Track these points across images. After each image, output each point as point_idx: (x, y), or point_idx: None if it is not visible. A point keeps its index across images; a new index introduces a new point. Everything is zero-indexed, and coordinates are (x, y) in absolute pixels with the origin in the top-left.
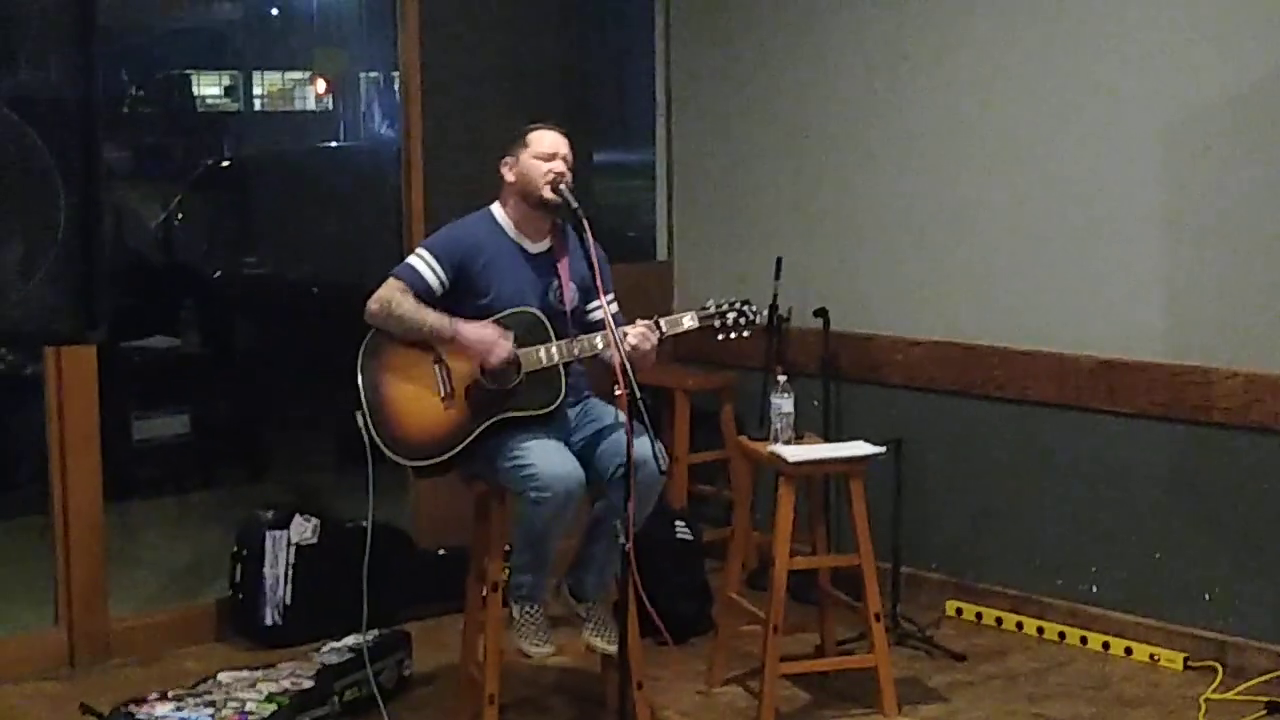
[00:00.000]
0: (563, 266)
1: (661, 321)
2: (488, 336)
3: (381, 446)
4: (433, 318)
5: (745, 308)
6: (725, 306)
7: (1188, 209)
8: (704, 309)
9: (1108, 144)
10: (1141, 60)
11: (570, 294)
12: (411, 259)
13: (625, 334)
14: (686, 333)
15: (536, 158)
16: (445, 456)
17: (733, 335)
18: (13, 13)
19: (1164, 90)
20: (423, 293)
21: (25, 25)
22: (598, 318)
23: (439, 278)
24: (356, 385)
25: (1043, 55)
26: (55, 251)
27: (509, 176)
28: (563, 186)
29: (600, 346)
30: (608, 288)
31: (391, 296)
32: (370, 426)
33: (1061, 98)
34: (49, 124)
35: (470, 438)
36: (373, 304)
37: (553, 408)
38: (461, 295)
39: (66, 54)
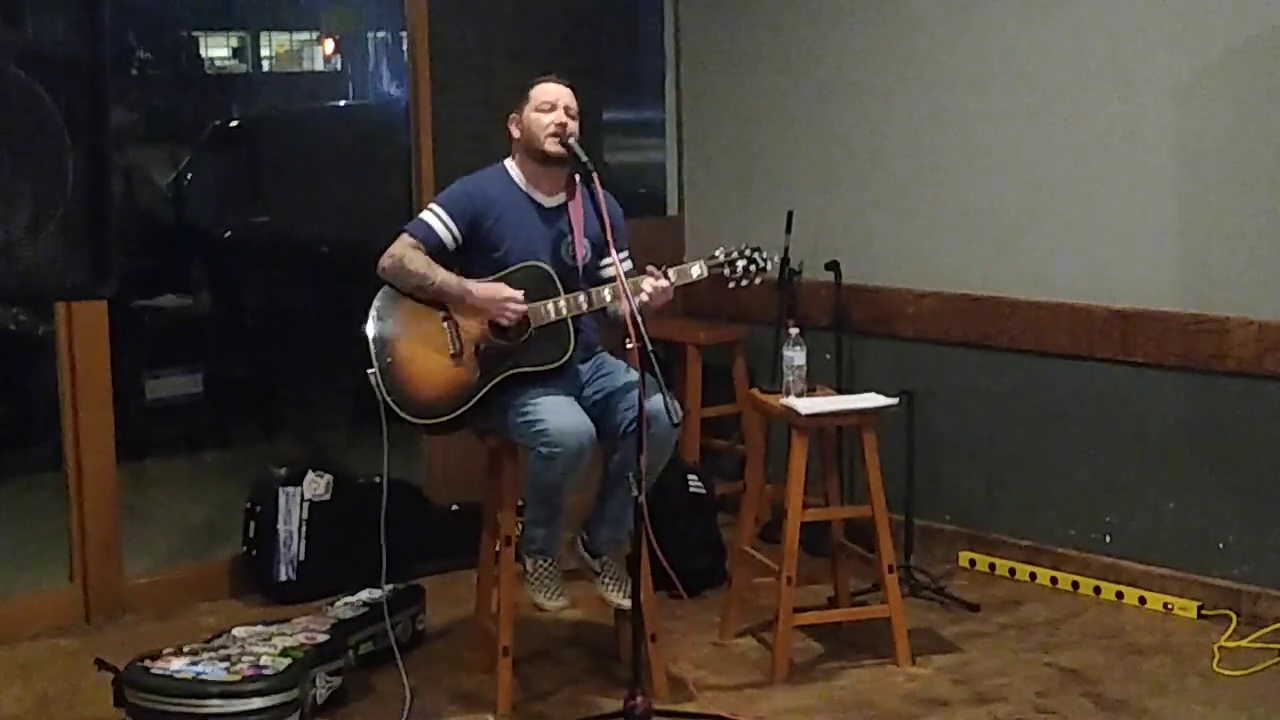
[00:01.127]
0: (575, 221)
1: (670, 271)
2: (500, 293)
3: (393, 407)
4: (442, 275)
5: (755, 254)
6: (735, 254)
7: (1201, 158)
8: (712, 257)
9: (1121, 94)
10: (1155, 10)
11: (582, 249)
12: (424, 214)
13: (640, 285)
14: (697, 282)
15: (538, 110)
16: (455, 414)
17: (743, 283)
18: None
19: (1177, 39)
20: (435, 248)
21: None
22: (610, 274)
23: (452, 233)
24: (367, 345)
25: (1059, 8)
26: (65, 209)
27: (515, 132)
28: (571, 140)
29: (609, 299)
30: (621, 244)
31: (404, 253)
32: (381, 387)
33: (1074, 48)
34: (57, 82)
35: (480, 394)
36: (385, 259)
37: (563, 362)
38: (474, 250)
39: (74, 12)
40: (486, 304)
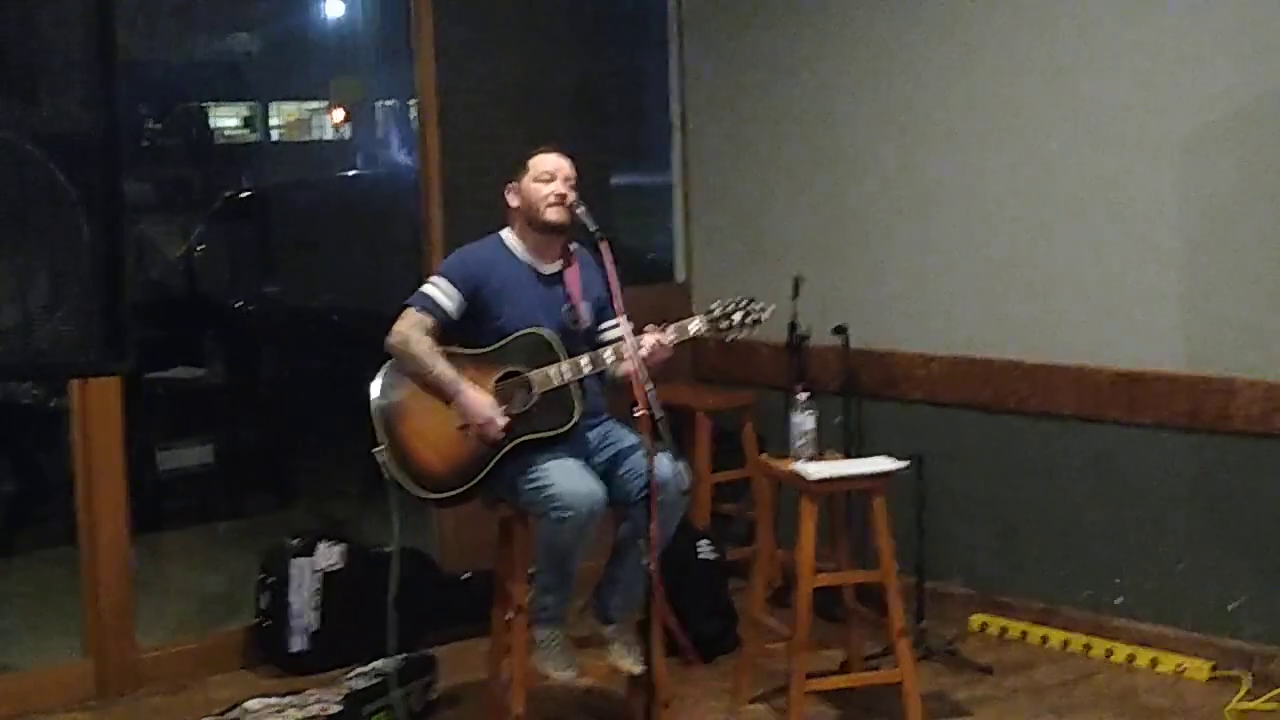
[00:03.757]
0: (574, 286)
1: (670, 329)
2: (484, 411)
3: (405, 483)
4: (440, 369)
5: (750, 305)
6: (731, 306)
7: (1206, 219)
8: (709, 312)
9: (1126, 156)
10: (1159, 72)
11: (584, 314)
12: (426, 287)
13: (640, 341)
14: (695, 338)
15: (537, 181)
16: (467, 487)
17: (741, 334)
18: (34, 48)
19: (1182, 102)
20: (440, 319)
21: (46, 61)
22: (611, 337)
23: (455, 303)
24: (373, 423)
25: (1061, 69)
26: (80, 285)
27: (513, 202)
28: (581, 210)
29: (610, 361)
30: (621, 307)
31: (409, 334)
32: (391, 464)
33: (1080, 111)
34: (72, 160)
35: (490, 464)
36: (392, 338)
37: (569, 427)
38: (476, 318)
39: (88, 89)
40: (469, 415)
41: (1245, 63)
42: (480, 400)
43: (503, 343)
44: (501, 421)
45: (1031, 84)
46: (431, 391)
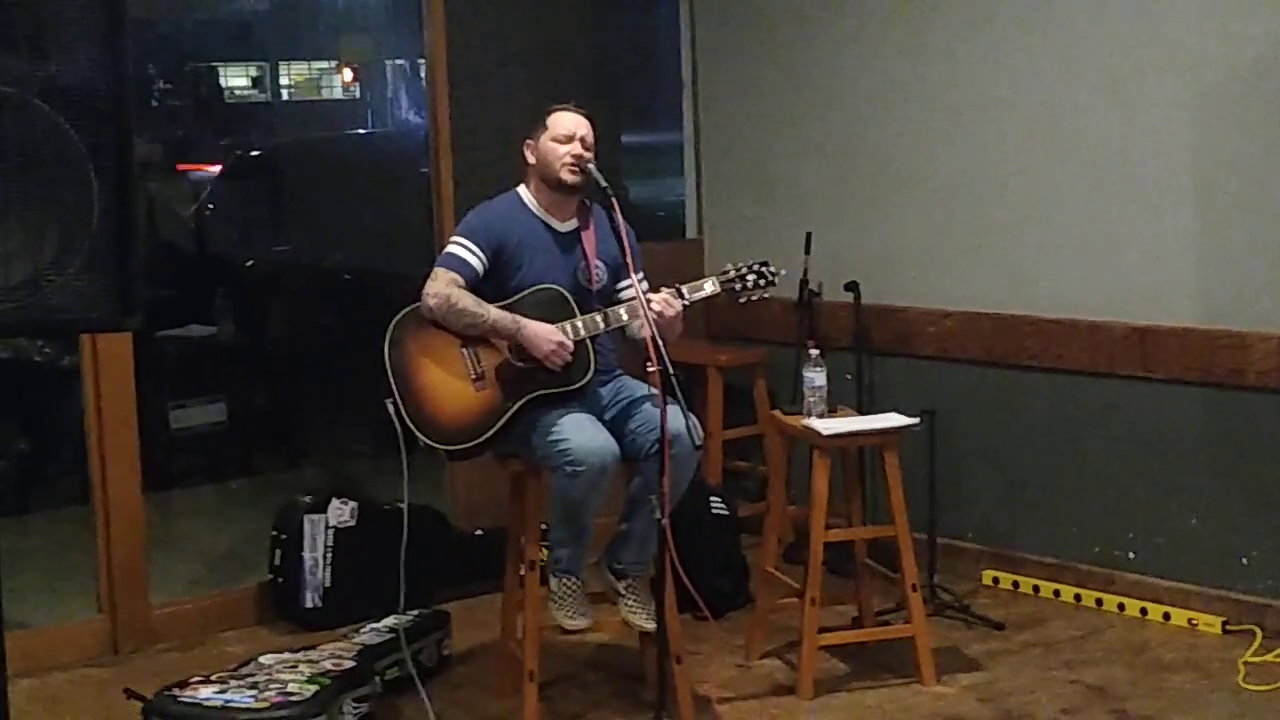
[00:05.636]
0: (589, 245)
1: (683, 289)
2: (552, 338)
3: (417, 434)
4: (494, 313)
5: (764, 268)
6: (744, 269)
7: (1218, 173)
8: (723, 272)
9: (1138, 111)
10: (1172, 26)
11: (597, 273)
12: (452, 247)
13: (650, 302)
14: (710, 299)
15: (554, 140)
16: (481, 439)
17: (754, 297)
18: (43, 5)
19: (1194, 55)
20: (469, 278)
21: (55, 17)
22: (627, 297)
23: (481, 261)
24: (385, 374)
25: (1074, 24)
26: (90, 242)
27: (530, 158)
28: (591, 167)
29: (625, 318)
30: (638, 267)
31: (449, 292)
32: (402, 415)
33: (1092, 65)
34: (81, 115)
35: (504, 418)
36: (430, 299)
37: (583, 382)
38: (495, 275)
39: (97, 45)
40: (537, 343)
41: (1258, 17)
42: (544, 328)
43: (519, 297)
44: (570, 344)
45: (1044, 39)
46: (496, 336)
